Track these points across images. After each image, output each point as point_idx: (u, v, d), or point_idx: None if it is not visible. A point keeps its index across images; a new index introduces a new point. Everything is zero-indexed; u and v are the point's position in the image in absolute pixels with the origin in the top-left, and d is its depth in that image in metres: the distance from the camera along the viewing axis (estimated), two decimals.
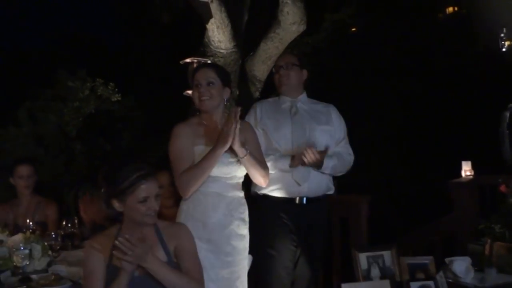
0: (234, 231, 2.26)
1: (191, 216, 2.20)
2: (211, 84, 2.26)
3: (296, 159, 2.53)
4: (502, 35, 4.50)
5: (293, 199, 2.58)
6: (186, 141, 2.20)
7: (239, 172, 2.28)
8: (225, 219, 2.23)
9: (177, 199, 2.43)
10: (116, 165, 1.91)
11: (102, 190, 1.91)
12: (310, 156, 2.46)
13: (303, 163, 2.50)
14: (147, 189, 1.85)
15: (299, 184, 2.57)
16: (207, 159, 2.14)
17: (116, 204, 1.87)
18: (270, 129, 2.63)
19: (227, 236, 2.23)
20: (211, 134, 2.25)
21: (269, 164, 2.49)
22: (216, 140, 2.16)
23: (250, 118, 2.69)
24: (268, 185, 2.57)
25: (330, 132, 2.69)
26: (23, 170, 3.19)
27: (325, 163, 2.55)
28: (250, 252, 2.43)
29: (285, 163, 2.55)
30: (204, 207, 2.21)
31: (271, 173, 2.49)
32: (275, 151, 2.61)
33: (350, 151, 2.77)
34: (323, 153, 2.52)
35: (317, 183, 2.62)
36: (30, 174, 3.21)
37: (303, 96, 2.79)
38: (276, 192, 2.60)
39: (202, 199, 2.21)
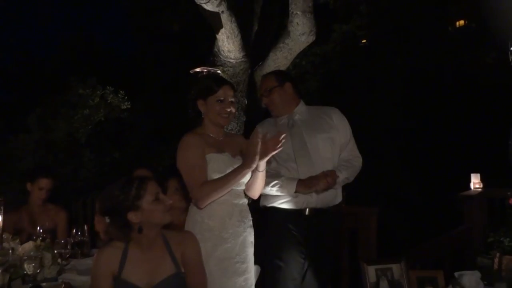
0: (247, 238, 2.32)
1: (207, 225, 2.22)
2: (232, 102, 2.34)
3: (302, 186, 2.51)
4: (511, 48, 4.49)
5: (302, 211, 2.58)
6: (199, 151, 2.22)
7: (246, 178, 2.32)
8: (239, 227, 2.28)
9: (188, 203, 2.45)
10: (107, 192, 1.92)
11: (109, 221, 1.90)
12: (321, 186, 2.50)
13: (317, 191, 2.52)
14: (152, 187, 1.91)
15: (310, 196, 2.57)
16: (233, 175, 2.19)
17: (132, 217, 1.88)
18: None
19: (242, 244, 2.28)
20: (218, 144, 2.31)
21: (275, 189, 2.54)
22: (244, 160, 2.22)
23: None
24: (278, 198, 2.59)
25: (332, 139, 2.66)
26: (46, 183, 3.21)
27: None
28: (258, 263, 2.44)
29: (291, 189, 2.54)
30: (220, 216, 2.24)
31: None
32: (282, 169, 2.59)
33: (357, 153, 2.73)
34: (332, 176, 2.51)
35: (326, 194, 2.61)
36: (50, 187, 3.24)
37: (300, 107, 2.73)
38: (285, 204, 2.59)
39: (217, 208, 2.24)
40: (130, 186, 1.88)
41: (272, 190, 2.55)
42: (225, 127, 2.43)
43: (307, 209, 2.57)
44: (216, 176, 2.22)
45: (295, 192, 2.52)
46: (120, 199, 1.87)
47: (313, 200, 2.57)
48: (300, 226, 2.56)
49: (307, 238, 2.56)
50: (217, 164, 2.23)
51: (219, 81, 2.37)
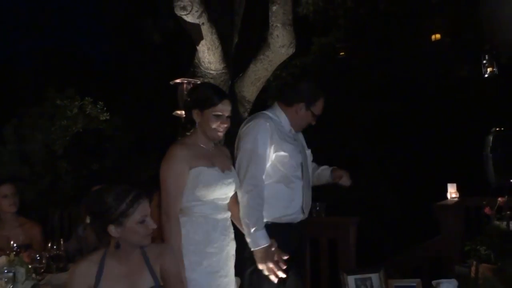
0: (230, 252, 2.32)
1: (192, 239, 2.19)
2: (229, 118, 2.28)
3: (260, 255, 2.34)
4: (484, 61, 4.64)
5: (292, 224, 2.56)
6: (183, 165, 2.19)
7: (232, 192, 2.33)
8: (223, 241, 2.27)
9: None
10: (101, 193, 1.85)
11: (89, 221, 1.84)
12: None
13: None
14: (143, 208, 1.85)
15: (303, 213, 2.58)
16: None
17: (112, 231, 1.82)
18: (289, 154, 2.49)
19: (225, 258, 2.28)
20: (208, 156, 2.27)
21: (248, 225, 2.38)
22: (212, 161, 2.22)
23: (266, 138, 2.44)
24: (274, 212, 2.50)
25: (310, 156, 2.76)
26: (6, 189, 3.12)
27: None
28: (237, 275, 2.42)
29: (253, 244, 2.35)
30: (205, 230, 2.21)
31: (276, 201, 2.48)
32: (287, 175, 2.50)
33: None
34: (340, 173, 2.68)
35: (310, 207, 2.66)
36: (14, 192, 3.16)
37: None
38: (275, 219, 2.52)
39: (203, 222, 2.22)
40: (122, 198, 1.81)
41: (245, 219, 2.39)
42: None
43: (296, 222, 2.57)
44: (203, 190, 2.18)
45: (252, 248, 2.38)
46: (107, 207, 1.80)
47: (302, 215, 2.58)
48: (287, 238, 2.53)
49: (295, 248, 2.56)
50: (206, 178, 2.20)
51: (220, 95, 2.27)
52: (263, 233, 2.35)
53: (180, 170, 2.18)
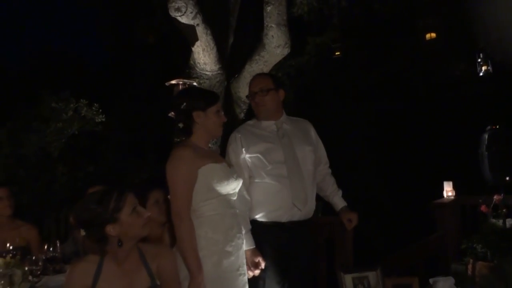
0: (243, 250, 2.33)
1: (211, 239, 2.18)
2: (224, 114, 2.39)
3: (249, 255, 2.43)
4: (479, 60, 4.67)
5: (283, 223, 2.54)
6: (190, 166, 2.19)
7: (238, 187, 2.34)
8: (239, 239, 2.29)
9: (167, 217, 2.39)
10: (85, 202, 1.87)
11: (85, 233, 1.84)
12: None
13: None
14: (131, 199, 1.89)
15: (299, 210, 2.54)
16: (192, 261, 2.09)
17: (111, 230, 1.83)
18: (262, 154, 2.55)
19: (242, 256, 2.30)
20: (210, 155, 2.32)
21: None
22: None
23: (236, 149, 2.57)
24: (259, 211, 2.55)
25: (314, 153, 2.70)
26: (1, 192, 3.12)
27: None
28: None
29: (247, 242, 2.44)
30: (224, 228, 2.22)
31: (262, 199, 2.54)
32: (272, 173, 2.55)
33: (328, 162, 2.85)
34: (349, 213, 2.69)
35: (311, 207, 2.63)
36: (9, 195, 3.15)
37: (284, 116, 2.69)
38: (264, 217, 2.55)
39: (219, 221, 2.21)
40: (108, 198, 1.84)
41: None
42: None
43: (288, 221, 2.56)
44: (217, 186, 2.19)
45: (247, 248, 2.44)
46: (98, 212, 1.82)
47: (298, 213, 2.56)
48: (281, 238, 2.53)
49: (288, 248, 2.55)
50: (218, 174, 2.22)
51: (215, 94, 2.43)
52: (247, 236, 2.44)
53: (189, 171, 2.18)
